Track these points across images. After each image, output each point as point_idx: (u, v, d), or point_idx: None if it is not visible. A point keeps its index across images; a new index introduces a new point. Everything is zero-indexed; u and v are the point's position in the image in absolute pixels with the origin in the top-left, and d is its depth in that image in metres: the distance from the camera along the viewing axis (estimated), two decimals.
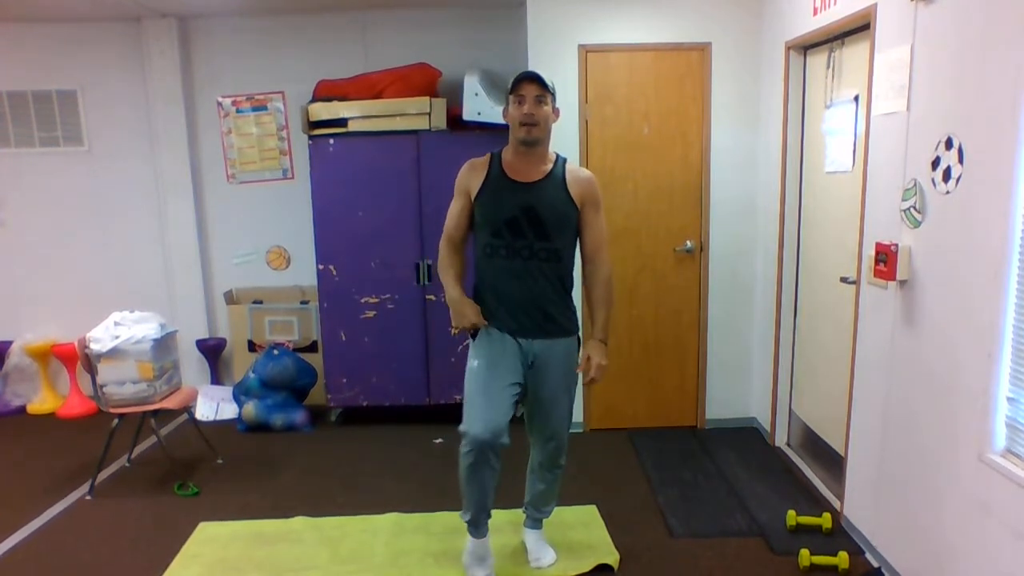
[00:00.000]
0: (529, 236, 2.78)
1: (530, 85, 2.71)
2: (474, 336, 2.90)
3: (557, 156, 2.89)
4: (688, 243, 4.52)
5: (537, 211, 2.77)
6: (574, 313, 2.95)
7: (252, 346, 5.20)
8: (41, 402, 5.35)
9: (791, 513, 3.38)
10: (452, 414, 4.24)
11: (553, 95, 2.77)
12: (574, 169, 2.88)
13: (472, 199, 2.85)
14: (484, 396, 2.78)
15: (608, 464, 4.18)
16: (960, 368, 2.51)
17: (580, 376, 2.96)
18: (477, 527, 2.99)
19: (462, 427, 2.79)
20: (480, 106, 4.43)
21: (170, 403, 3.98)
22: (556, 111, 2.81)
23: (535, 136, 2.74)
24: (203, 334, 5.37)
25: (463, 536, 3.10)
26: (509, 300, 2.83)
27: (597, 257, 2.90)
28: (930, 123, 2.65)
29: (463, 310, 2.83)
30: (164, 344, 3.98)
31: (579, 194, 2.82)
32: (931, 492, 2.70)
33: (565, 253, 2.86)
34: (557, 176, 2.82)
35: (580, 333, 2.99)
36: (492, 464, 2.80)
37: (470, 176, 2.87)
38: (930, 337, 2.69)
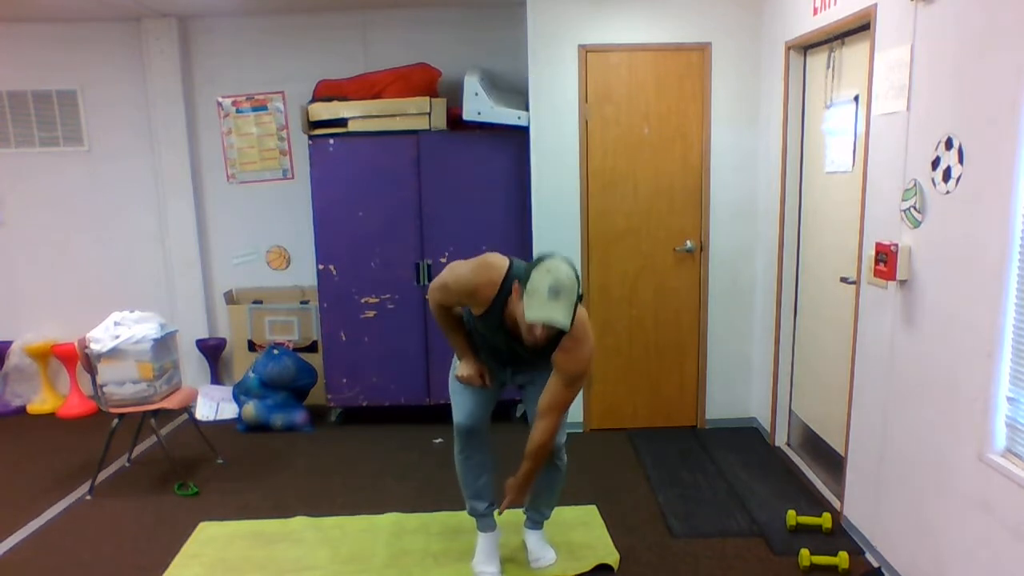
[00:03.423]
0: (511, 361, 2.89)
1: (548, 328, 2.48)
2: None
3: None
4: (688, 243, 4.52)
5: (521, 357, 2.82)
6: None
7: (252, 346, 5.20)
8: (41, 402, 5.35)
9: (791, 513, 3.39)
10: (452, 414, 4.25)
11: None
12: (571, 341, 2.60)
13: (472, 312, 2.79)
14: (466, 389, 2.96)
15: (608, 464, 4.17)
16: (960, 368, 2.51)
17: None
18: (481, 519, 3.04)
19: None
20: (480, 106, 4.42)
21: (170, 403, 3.98)
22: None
23: (540, 346, 2.57)
24: (203, 334, 5.37)
25: (463, 536, 3.11)
26: (491, 359, 2.95)
27: (545, 417, 2.71)
28: (930, 123, 2.65)
29: (469, 370, 2.90)
30: (164, 344, 3.98)
31: (557, 360, 2.64)
32: (931, 492, 2.70)
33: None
34: (552, 343, 2.61)
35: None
36: (480, 448, 2.98)
37: (472, 299, 2.71)
38: (930, 337, 2.69)
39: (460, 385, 2.97)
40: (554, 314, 2.41)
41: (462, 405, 2.96)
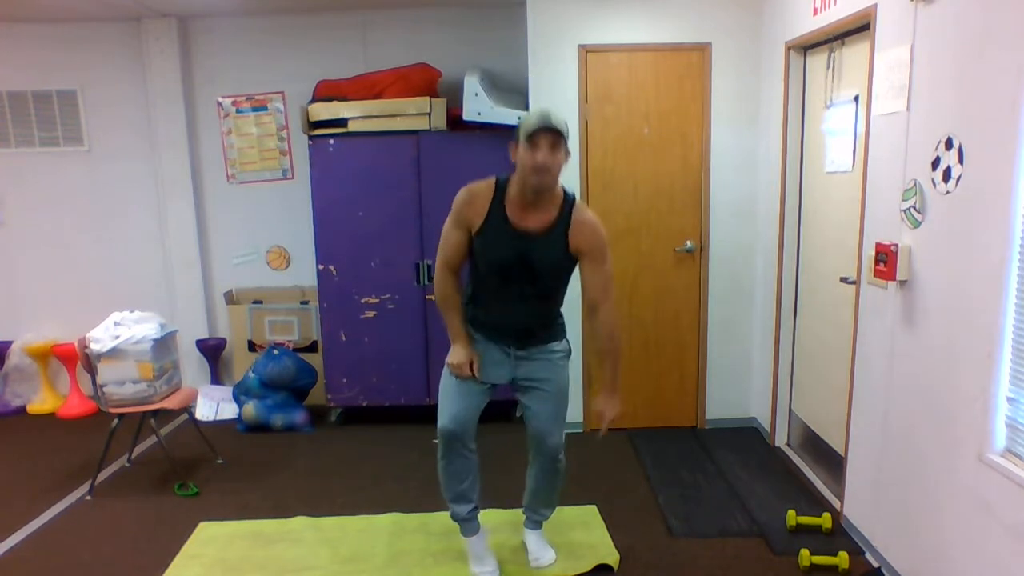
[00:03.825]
0: (521, 281, 2.77)
1: (547, 134, 2.57)
2: None
3: (565, 198, 2.75)
4: (688, 243, 4.52)
5: (531, 262, 2.73)
6: (562, 324, 2.98)
7: (252, 346, 5.20)
8: (41, 402, 5.35)
9: (791, 513, 3.38)
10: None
11: (567, 137, 2.63)
12: (580, 218, 2.73)
13: (472, 233, 2.77)
14: (451, 392, 2.91)
15: (608, 464, 4.17)
16: (960, 368, 2.51)
17: (574, 376, 2.99)
18: (464, 523, 3.04)
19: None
20: (480, 106, 4.42)
21: (170, 403, 3.98)
22: (567, 153, 2.66)
23: (547, 184, 2.63)
24: (203, 334, 5.37)
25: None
26: (496, 322, 2.89)
27: (600, 309, 2.78)
28: (930, 123, 2.65)
29: (461, 356, 2.86)
30: (164, 344, 3.98)
31: (578, 245, 2.73)
32: (931, 492, 2.70)
33: (557, 291, 2.87)
34: (560, 226, 2.71)
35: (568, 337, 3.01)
36: (463, 454, 2.93)
37: (471, 209, 2.74)
38: (930, 337, 2.69)
39: (449, 387, 2.92)
40: (549, 118, 2.57)
41: (448, 408, 2.90)
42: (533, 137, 2.57)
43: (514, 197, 2.72)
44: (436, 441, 4.47)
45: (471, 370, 2.87)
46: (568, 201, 2.75)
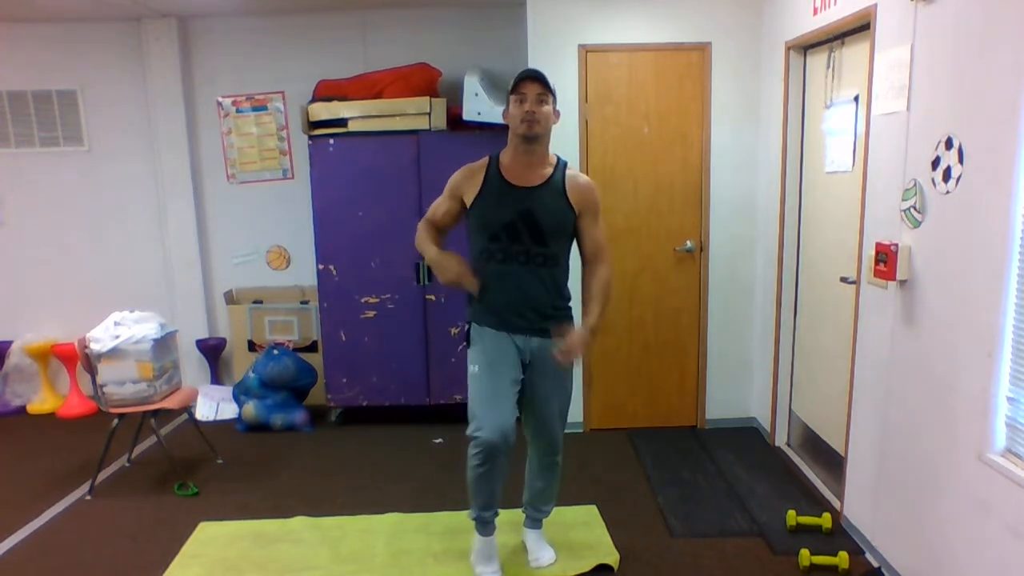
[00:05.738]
0: (526, 241, 2.78)
1: (532, 84, 2.69)
2: (467, 341, 2.92)
3: (558, 159, 2.88)
4: (688, 243, 4.52)
5: (535, 216, 2.76)
6: (570, 313, 2.95)
7: (252, 346, 5.20)
8: (41, 402, 5.35)
9: (791, 513, 3.39)
10: (452, 414, 4.27)
11: (554, 96, 2.75)
12: (574, 175, 2.86)
13: (467, 204, 2.84)
14: (489, 399, 2.78)
15: (608, 464, 4.17)
16: (960, 368, 2.51)
17: (575, 374, 2.99)
18: (485, 525, 3.01)
19: (470, 431, 2.78)
20: (480, 106, 4.42)
21: (170, 403, 3.98)
22: (557, 113, 2.79)
23: (536, 132, 2.71)
24: (203, 334, 5.37)
25: (464, 536, 3.10)
26: (505, 303, 2.82)
27: (596, 261, 2.90)
28: (930, 123, 2.65)
29: (445, 263, 2.82)
30: (164, 344, 3.98)
31: (578, 201, 2.82)
32: (931, 492, 2.70)
33: (561, 258, 2.87)
34: (557, 181, 2.81)
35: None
36: (502, 465, 2.83)
37: (466, 181, 2.85)
38: (930, 337, 2.69)
39: (482, 394, 2.78)
40: (532, 69, 2.77)
41: (488, 418, 2.73)
42: (519, 87, 2.71)
43: (509, 162, 2.83)
44: (437, 441, 4.52)
45: (471, 277, 2.81)
46: (561, 163, 2.89)
